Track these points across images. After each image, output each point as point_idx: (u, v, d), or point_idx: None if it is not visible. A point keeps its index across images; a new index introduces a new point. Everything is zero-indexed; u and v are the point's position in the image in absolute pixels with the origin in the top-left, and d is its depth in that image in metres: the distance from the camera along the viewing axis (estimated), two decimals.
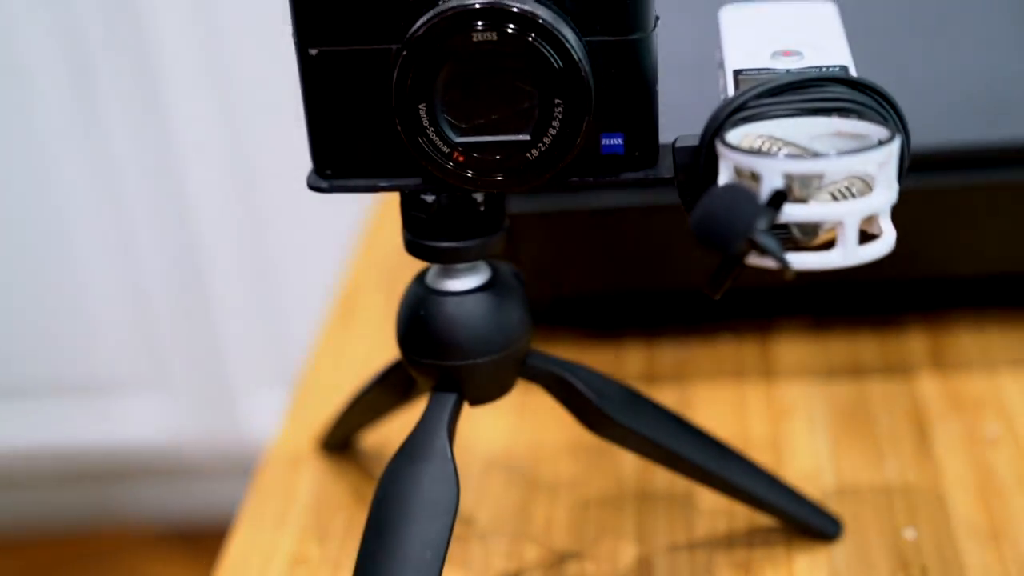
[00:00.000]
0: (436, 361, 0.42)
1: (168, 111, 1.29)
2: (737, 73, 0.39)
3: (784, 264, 0.33)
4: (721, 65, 0.41)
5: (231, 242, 1.35)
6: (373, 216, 0.72)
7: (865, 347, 0.57)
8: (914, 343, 0.57)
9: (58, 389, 1.44)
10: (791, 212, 0.34)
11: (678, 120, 0.41)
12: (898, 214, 0.35)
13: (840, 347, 0.57)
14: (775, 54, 0.40)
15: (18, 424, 1.46)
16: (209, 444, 1.45)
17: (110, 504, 1.53)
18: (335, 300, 0.65)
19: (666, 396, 0.55)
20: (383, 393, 0.48)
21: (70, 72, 1.28)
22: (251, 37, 1.25)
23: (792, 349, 0.57)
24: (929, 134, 0.49)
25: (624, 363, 0.57)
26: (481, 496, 0.51)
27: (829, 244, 0.35)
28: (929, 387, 0.54)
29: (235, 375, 1.43)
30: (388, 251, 0.68)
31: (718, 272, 0.35)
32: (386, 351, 0.60)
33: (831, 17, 0.43)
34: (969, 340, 0.56)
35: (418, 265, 0.43)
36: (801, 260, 0.34)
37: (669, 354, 0.58)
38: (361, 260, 0.68)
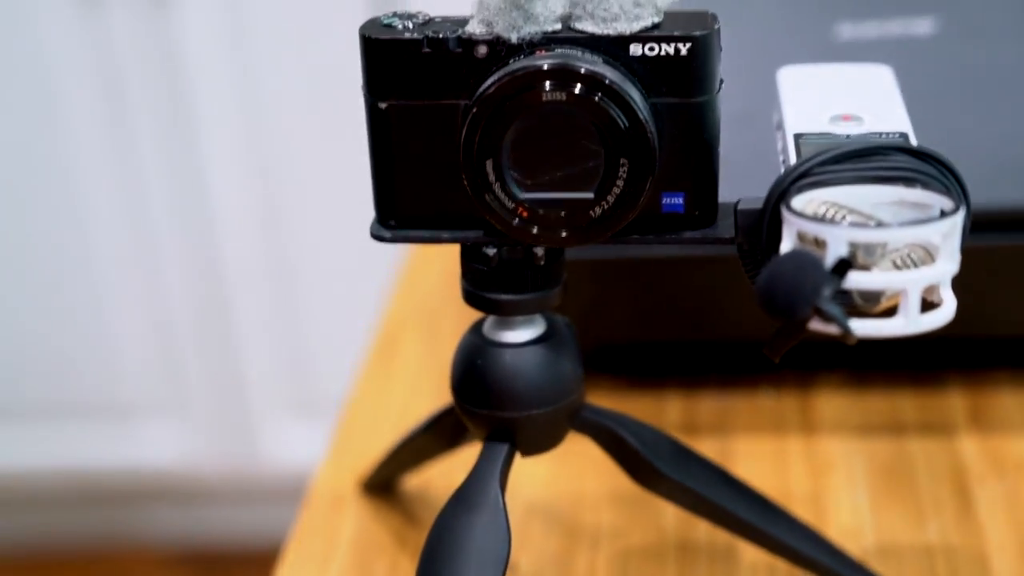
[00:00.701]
0: (491, 412, 0.42)
1: (198, 139, 1.30)
2: (798, 137, 0.39)
3: (848, 331, 0.34)
4: (780, 127, 0.42)
5: (255, 270, 1.36)
6: (412, 257, 0.72)
7: (905, 404, 0.57)
8: (954, 401, 0.57)
9: (79, 411, 1.45)
10: (856, 280, 0.34)
11: (734, 179, 0.42)
12: None
13: (879, 403, 0.57)
14: (834, 118, 0.40)
15: (37, 445, 1.47)
16: (226, 470, 1.46)
17: (127, 527, 1.53)
18: (375, 340, 0.66)
19: (706, 447, 0.55)
20: (431, 438, 0.49)
21: (104, 100, 1.29)
22: (287, 77, 1.26)
23: (832, 403, 0.58)
24: (976, 193, 0.49)
25: (664, 412, 0.58)
26: (522, 543, 0.51)
27: (889, 311, 0.35)
28: (969, 447, 0.54)
29: (254, 402, 1.43)
30: (428, 292, 0.69)
31: (780, 336, 0.36)
32: (426, 392, 0.60)
33: (888, 81, 0.44)
34: (1009, 401, 0.56)
35: (457, 307, 0.43)
36: (863, 327, 0.35)
37: (709, 405, 0.58)
38: (401, 301, 0.69)
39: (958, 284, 0.36)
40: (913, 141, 0.39)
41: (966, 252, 0.36)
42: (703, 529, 0.50)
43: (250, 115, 1.29)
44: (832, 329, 0.34)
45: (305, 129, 1.27)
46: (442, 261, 0.70)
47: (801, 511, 0.50)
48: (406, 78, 0.38)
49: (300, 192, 1.31)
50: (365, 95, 0.39)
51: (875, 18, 0.57)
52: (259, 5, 1.25)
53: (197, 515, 1.52)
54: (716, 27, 0.38)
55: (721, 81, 0.39)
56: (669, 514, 0.52)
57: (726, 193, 0.40)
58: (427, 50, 0.38)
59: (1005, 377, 0.58)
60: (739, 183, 0.41)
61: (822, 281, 0.34)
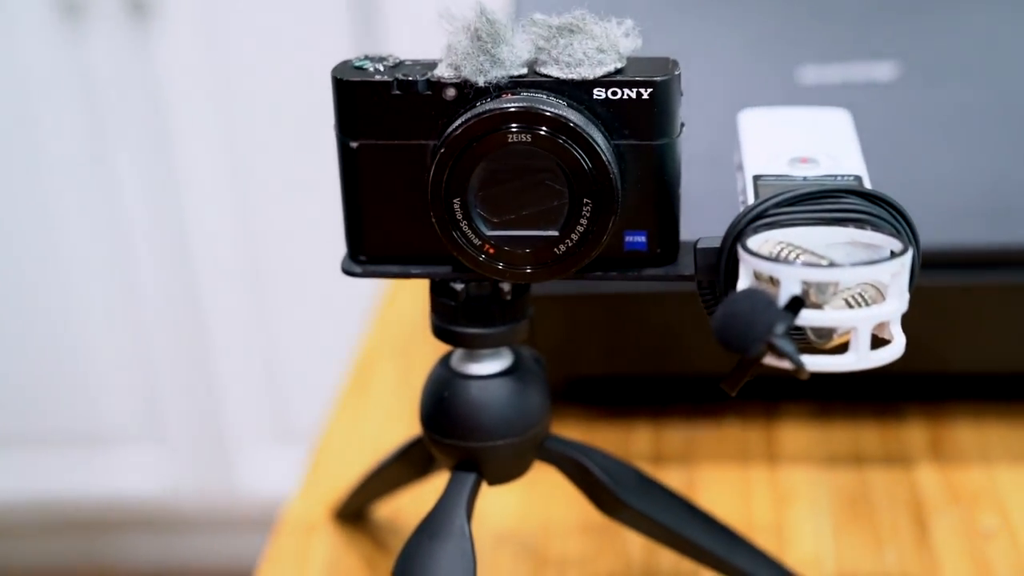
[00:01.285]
0: (458, 442, 0.43)
1: (177, 167, 1.31)
2: (756, 178, 0.41)
3: (799, 366, 0.35)
4: (740, 168, 0.43)
5: (233, 298, 1.37)
6: (389, 288, 0.74)
7: (866, 436, 0.58)
8: (914, 434, 0.58)
9: (55, 439, 1.45)
10: (808, 317, 0.35)
11: (695, 217, 0.43)
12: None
13: (842, 435, 0.59)
14: (792, 160, 0.42)
15: (14, 473, 1.47)
16: (204, 497, 1.46)
17: (103, 554, 1.53)
18: (350, 371, 0.67)
19: (672, 477, 0.56)
20: (402, 468, 0.50)
21: (82, 114, 1.30)
22: (265, 93, 1.27)
23: (795, 435, 0.59)
24: (934, 234, 0.51)
25: (632, 443, 0.59)
26: (491, 571, 0.52)
27: (842, 347, 0.37)
28: (928, 478, 0.55)
29: (232, 429, 1.43)
30: (402, 324, 0.70)
31: (736, 371, 0.37)
32: (400, 421, 0.61)
33: (846, 124, 0.45)
34: (968, 433, 0.58)
35: (431, 339, 0.44)
36: (816, 363, 0.36)
37: (676, 435, 0.59)
38: (376, 332, 0.70)
39: (915, 321, 0.37)
40: (867, 183, 0.40)
41: (924, 291, 0.38)
42: (667, 558, 0.51)
43: (228, 133, 1.30)
44: (785, 364, 0.35)
45: (282, 147, 1.28)
46: (416, 293, 0.71)
47: (764, 540, 0.51)
48: (376, 119, 0.40)
49: (278, 219, 1.32)
50: (337, 134, 0.40)
51: (837, 62, 0.59)
52: (237, 21, 1.26)
53: (174, 543, 1.52)
54: (677, 73, 0.39)
55: (682, 124, 0.40)
56: (635, 543, 0.53)
57: (689, 231, 0.41)
58: (397, 92, 0.39)
59: (963, 410, 0.59)
60: (701, 222, 0.42)
61: (775, 318, 0.35)
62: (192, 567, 1.51)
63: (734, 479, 0.56)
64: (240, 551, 1.48)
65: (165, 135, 1.30)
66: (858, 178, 0.41)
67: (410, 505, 0.54)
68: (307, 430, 1.37)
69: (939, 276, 0.53)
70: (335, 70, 0.40)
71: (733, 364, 0.37)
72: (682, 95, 0.40)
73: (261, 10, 1.25)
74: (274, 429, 1.43)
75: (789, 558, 0.51)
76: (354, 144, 0.40)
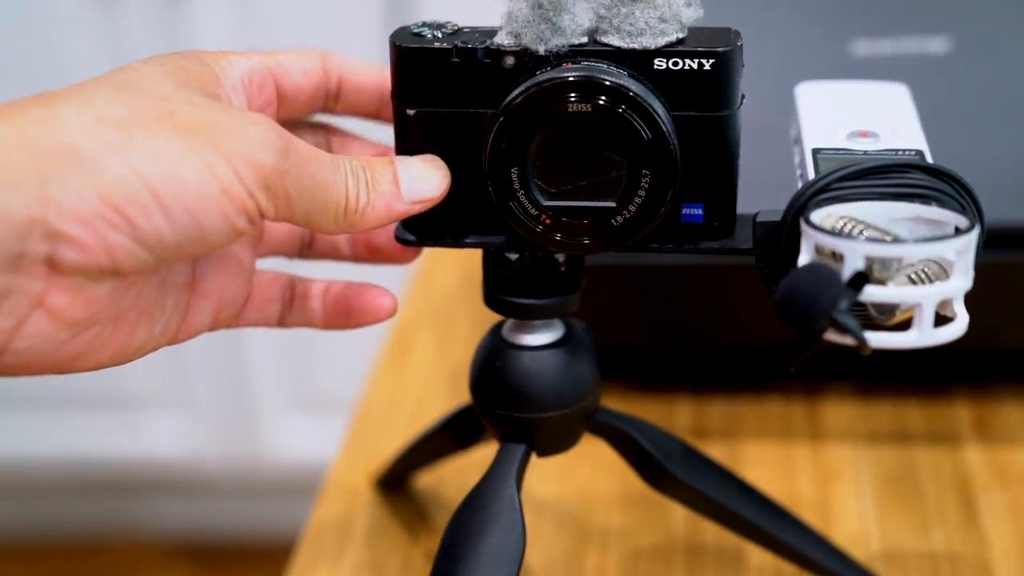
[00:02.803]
0: (509, 412, 0.43)
1: None
2: (816, 152, 0.40)
3: (863, 343, 0.35)
4: (798, 141, 0.43)
5: (262, 264, 1.37)
6: (426, 257, 0.73)
7: (911, 413, 0.58)
8: (960, 412, 0.58)
9: (84, 402, 1.46)
10: (872, 293, 0.35)
11: (750, 190, 0.43)
12: None
13: (886, 412, 0.58)
14: (851, 134, 0.41)
15: (43, 435, 1.48)
16: (229, 463, 1.47)
17: (128, 517, 1.54)
18: (389, 339, 0.66)
19: (715, 451, 0.56)
20: (447, 438, 0.50)
21: None
22: None
23: (839, 411, 0.59)
24: (989, 211, 0.50)
25: (674, 416, 0.59)
26: (533, 542, 0.52)
27: (903, 324, 0.36)
28: (974, 457, 0.55)
29: (259, 397, 1.44)
30: (440, 292, 0.70)
31: (796, 346, 0.36)
32: (439, 391, 0.61)
33: (904, 99, 0.45)
34: (1014, 412, 0.57)
35: (470, 308, 0.44)
36: (878, 339, 0.35)
37: (718, 410, 0.59)
38: (414, 301, 0.69)
39: (969, 297, 0.37)
40: (928, 158, 0.40)
41: (979, 267, 0.37)
42: (711, 531, 0.51)
43: None
44: (847, 341, 0.35)
45: None
46: (455, 263, 0.71)
47: (808, 516, 0.51)
48: (434, 86, 0.39)
49: None
50: (394, 101, 0.40)
51: (890, 35, 0.58)
52: (271, 3, 1.25)
53: (200, 507, 1.53)
54: (739, 43, 0.39)
55: (743, 96, 0.40)
56: (678, 516, 0.52)
57: (743, 204, 0.41)
58: (456, 59, 0.39)
59: (1010, 390, 0.59)
60: (756, 195, 0.42)
61: (839, 294, 0.34)
62: (217, 531, 1.52)
63: (777, 455, 0.56)
64: (265, 516, 1.49)
65: None
66: (920, 152, 0.40)
67: (452, 475, 0.54)
68: (333, 396, 1.37)
69: (994, 253, 0.52)
70: (393, 36, 0.40)
71: (782, 338, 0.37)
72: (743, 67, 0.39)
73: None
74: (300, 396, 1.43)
75: (834, 535, 0.51)
76: (411, 111, 0.40)
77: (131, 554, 1.52)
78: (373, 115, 0.43)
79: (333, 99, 0.43)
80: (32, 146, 0.32)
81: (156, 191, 0.33)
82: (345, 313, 0.44)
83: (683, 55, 0.38)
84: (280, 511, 1.47)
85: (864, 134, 0.41)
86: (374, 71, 0.43)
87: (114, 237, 0.33)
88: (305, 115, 0.44)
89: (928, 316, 0.36)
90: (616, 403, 0.47)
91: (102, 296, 0.34)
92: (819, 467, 0.55)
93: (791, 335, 0.36)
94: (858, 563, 0.48)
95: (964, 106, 0.56)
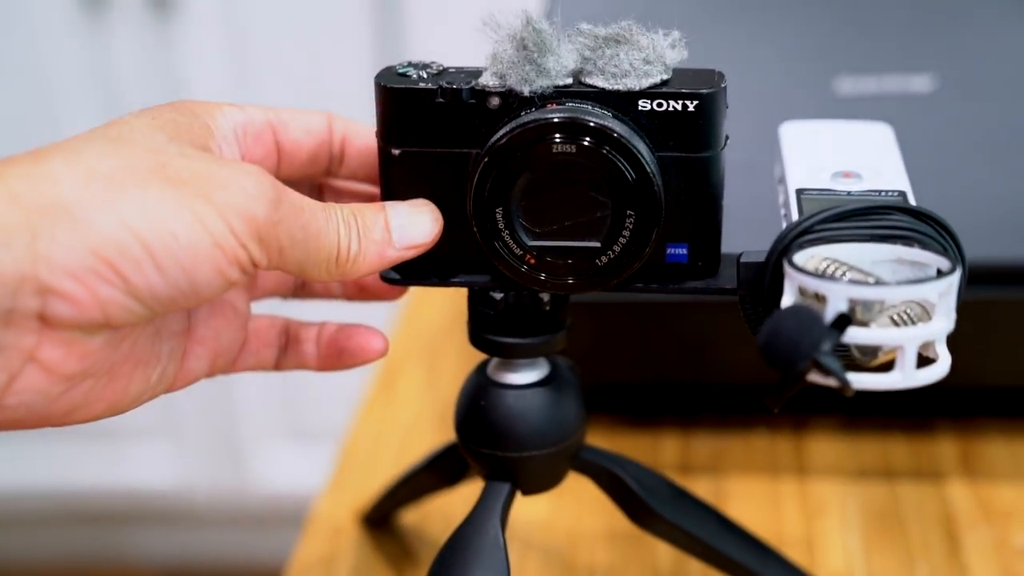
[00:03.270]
0: (493, 451, 0.43)
1: None
2: (800, 192, 0.40)
3: (846, 384, 0.35)
4: (782, 180, 0.43)
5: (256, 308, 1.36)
6: (413, 293, 0.73)
7: (896, 450, 0.58)
8: (945, 449, 0.58)
9: (71, 432, 1.45)
10: (854, 335, 0.35)
11: (734, 228, 0.43)
12: None
13: (872, 448, 0.58)
14: (835, 175, 0.42)
15: (30, 465, 1.47)
16: (217, 494, 1.46)
17: (115, 547, 1.53)
18: (376, 374, 0.66)
19: (701, 487, 0.56)
20: (433, 475, 0.50)
21: (104, 111, 1.30)
22: (286, 89, 1.27)
23: (825, 447, 0.59)
24: (971, 248, 0.51)
25: (660, 452, 0.59)
26: None
27: (886, 365, 0.36)
28: (959, 494, 0.55)
29: (245, 427, 1.44)
30: (428, 327, 0.70)
31: (780, 387, 0.36)
32: (426, 427, 0.61)
33: (888, 139, 0.45)
34: (999, 450, 0.58)
35: (458, 344, 0.44)
36: (861, 380, 0.36)
37: (704, 446, 0.59)
38: (402, 336, 0.69)
39: (952, 334, 0.37)
40: (911, 199, 0.40)
41: (963, 304, 0.37)
42: (696, 569, 0.51)
43: None
44: (831, 382, 0.35)
45: None
46: (443, 297, 0.71)
47: (793, 553, 0.51)
48: (419, 126, 0.39)
49: None
50: (379, 141, 0.40)
51: (874, 74, 0.58)
52: (258, 15, 1.26)
53: (186, 538, 1.52)
54: (723, 85, 0.39)
55: (727, 137, 0.40)
56: (663, 554, 0.52)
57: (728, 243, 0.41)
58: (441, 100, 0.39)
59: (995, 426, 0.59)
60: (740, 234, 0.42)
61: (821, 335, 0.35)
62: (204, 562, 1.51)
63: (763, 491, 0.56)
64: (251, 547, 1.48)
65: None
66: (903, 193, 0.40)
67: (437, 512, 0.54)
68: (319, 428, 1.37)
69: (975, 290, 0.53)
70: (379, 76, 0.40)
71: (767, 375, 0.37)
72: (727, 108, 0.40)
73: (282, 4, 1.25)
74: (287, 427, 1.43)
75: (820, 572, 0.51)
76: (396, 151, 0.40)
77: None
78: (375, 182, 0.43)
79: (337, 161, 0.43)
80: (22, 202, 0.32)
81: (148, 245, 0.33)
82: (337, 355, 0.44)
83: (667, 96, 0.39)
84: (267, 541, 1.46)
85: (848, 174, 0.42)
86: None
87: (106, 291, 0.33)
88: (307, 176, 0.43)
89: (910, 358, 0.36)
90: (603, 438, 0.47)
91: (95, 349, 0.34)
92: (805, 503, 0.55)
93: (775, 373, 0.36)
94: None
95: (948, 145, 0.56)
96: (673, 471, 0.57)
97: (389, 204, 0.39)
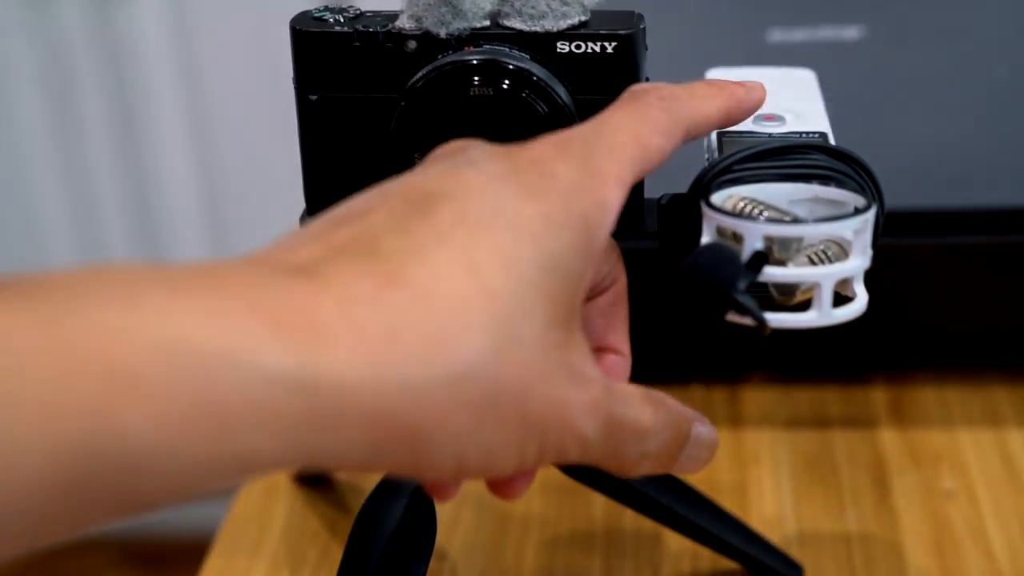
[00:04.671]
0: None
1: (144, 140, 1.30)
2: (721, 135, 0.40)
3: (762, 322, 0.35)
4: None
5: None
6: None
7: (830, 399, 0.59)
8: (876, 397, 0.58)
9: None
10: (770, 273, 0.35)
11: (661, 176, 0.43)
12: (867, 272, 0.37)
13: (805, 398, 0.59)
14: (757, 118, 0.42)
15: None
16: None
17: None
18: None
19: None
20: None
21: (50, 95, 1.28)
22: (233, 70, 1.26)
23: (760, 398, 0.59)
24: (897, 196, 0.51)
25: None
26: (452, 531, 0.52)
27: (804, 304, 0.37)
28: (890, 440, 0.56)
29: None
30: None
31: (697, 328, 0.37)
32: None
33: (811, 83, 0.45)
34: (929, 396, 0.58)
35: None
36: (778, 319, 0.36)
37: None
38: None
39: (879, 283, 0.37)
40: (832, 141, 0.40)
41: (887, 251, 0.38)
42: (630, 518, 0.51)
43: (195, 104, 1.28)
44: (747, 321, 0.35)
45: (249, 114, 1.27)
46: None
47: (727, 501, 0.51)
48: (336, 71, 0.39)
49: (245, 189, 1.31)
50: (296, 87, 0.40)
51: (806, 25, 0.58)
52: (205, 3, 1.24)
53: None
54: (642, 26, 0.39)
55: (647, 79, 0.40)
56: (598, 504, 0.53)
57: (655, 190, 0.41)
58: (357, 44, 0.39)
59: (925, 374, 0.59)
60: (667, 181, 0.42)
61: (737, 274, 0.35)
62: (163, 535, 1.50)
63: None
64: (200, 515, 1.48)
65: (134, 103, 1.28)
66: (823, 135, 0.40)
67: None
68: None
69: (902, 238, 0.53)
70: (294, 20, 0.39)
71: (696, 321, 0.37)
72: (647, 49, 0.39)
73: None
74: None
75: (751, 518, 0.51)
76: (313, 97, 0.39)
77: (80, 560, 1.50)
78: None
79: None
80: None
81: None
82: None
83: (585, 38, 0.38)
84: (217, 509, 1.46)
85: (770, 117, 0.42)
86: None
87: None
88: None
89: (827, 295, 0.36)
90: None
91: None
92: (739, 452, 0.56)
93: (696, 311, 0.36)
94: (773, 546, 0.48)
95: (874, 94, 0.56)
96: None
97: (696, 426, 0.36)
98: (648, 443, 0.33)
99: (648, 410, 0.33)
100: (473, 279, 0.28)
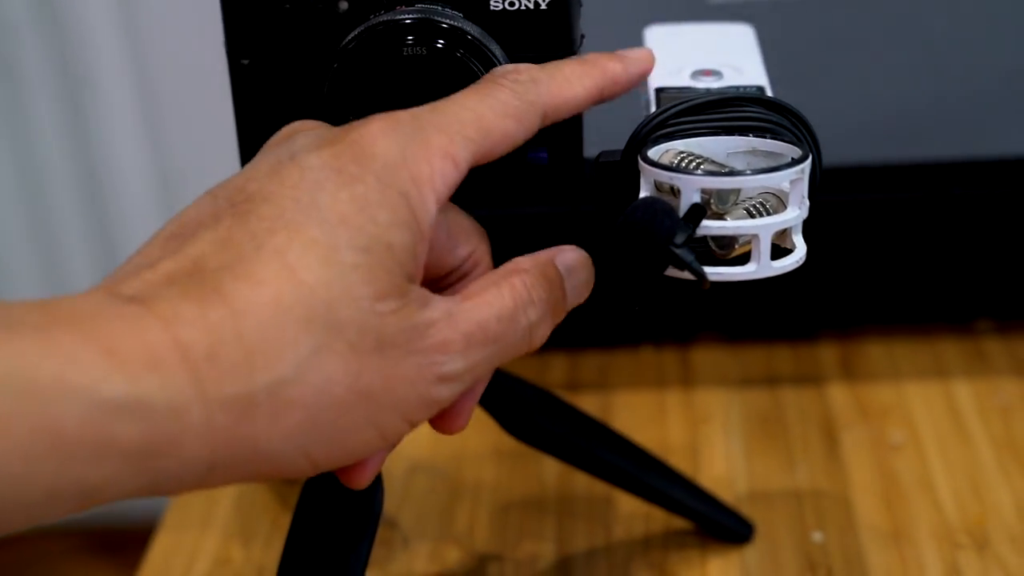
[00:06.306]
0: None
1: (92, 115, 1.28)
2: (659, 91, 0.40)
3: (701, 276, 0.35)
4: (644, 83, 0.43)
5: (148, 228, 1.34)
6: None
7: (779, 357, 0.59)
8: (825, 354, 0.59)
9: None
10: (708, 226, 0.35)
11: (599, 134, 0.42)
12: (808, 230, 0.37)
13: (756, 357, 0.59)
14: (695, 73, 0.41)
15: None
16: None
17: None
18: None
19: (588, 403, 0.56)
20: None
21: None
22: (181, 43, 1.25)
23: (710, 359, 0.59)
24: (840, 152, 0.51)
25: (547, 372, 0.59)
26: (404, 499, 0.52)
27: (744, 257, 0.36)
28: (839, 396, 0.56)
29: None
30: None
31: (637, 285, 0.36)
32: None
33: (749, 39, 0.45)
34: (878, 352, 0.58)
35: None
36: (717, 272, 0.36)
37: (592, 363, 0.59)
38: None
39: (824, 241, 0.37)
40: (770, 94, 0.40)
41: (833, 208, 0.38)
42: (581, 482, 0.51)
43: (143, 83, 1.27)
44: (686, 275, 0.35)
45: (199, 85, 1.25)
46: None
47: (678, 461, 0.51)
48: (267, 34, 0.38)
49: (195, 153, 1.29)
50: (227, 52, 0.39)
51: None
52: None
53: None
54: None
55: (583, 36, 0.39)
56: (549, 469, 0.52)
57: (595, 149, 0.41)
58: (287, 6, 0.38)
59: (873, 330, 0.60)
60: (607, 140, 0.41)
61: (675, 228, 0.34)
62: (121, 520, 1.49)
63: (649, 403, 0.56)
64: (162, 501, 1.47)
65: (76, 77, 1.27)
66: (760, 88, 0.40)
67: None
68: None
69: (846, 195, 0.53)
70: None
71: (636, 277, 0.37)
72: (581, 6, 0.39)
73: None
74: None
75: (703, 478, 0.51)
76: (245, 61, 0.39)
77: (37, 548, 1.48)
78: None
79: None
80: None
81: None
82: None
83: None
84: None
85: (708, 73, 0.42)
86: None
87: None
88: None
89: (765, 247, 0.36)
90: None
91: None
92: (690, 412, 0.56)
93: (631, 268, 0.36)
94: (724, 504, 0.48)
95: (814, 51, 0.56)
96: (561, 389, 0.57)
97: (560, 260, 0.36)
98: (527, 315, 0.34)
99: (505, 292, 0.33)
100: (288, 280, 0.29)
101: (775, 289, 0.37)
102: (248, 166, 0.33)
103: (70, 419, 0.26)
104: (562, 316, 0.36)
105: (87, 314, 0.27)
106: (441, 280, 0.36)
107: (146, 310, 0.28)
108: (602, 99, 0.37)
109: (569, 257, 0.36)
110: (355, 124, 0.32)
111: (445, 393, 0.32)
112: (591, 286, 0.37)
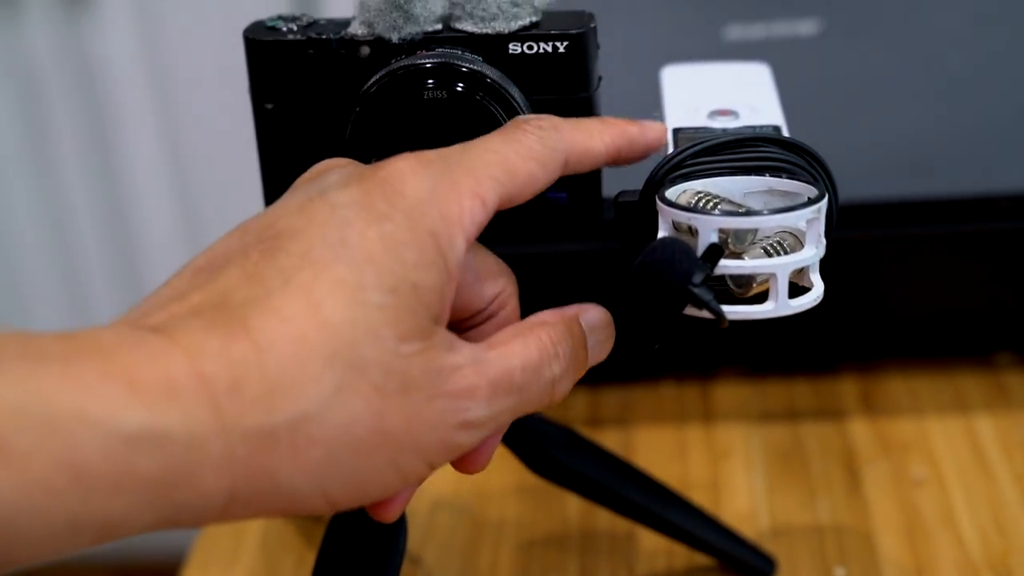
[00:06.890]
0: None
1: (117, 153, 1.30)
2: (677, 131, 0.41)
3: (719, 315, 0.35)
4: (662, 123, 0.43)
5: (172, 265, 1.35)
6: None
7: (800, 392, 0.59)
8: (846, 388, 0.59)
9: None
10: (726, 265, 0.36)
11: (617, 173, 0.43)
12: (827, 266, 0.37)
13: (776, 392, 0.59)
14: (712, 113, 0.42)
15: None
16: None
17: None
18: None
19: (609, 439, 0.56)
20: None
21: (19, 105, 1.28)
22: (202, 76, 1.26)
23: (731, 394, 0.59)
24: (858, 189, 0.51)
25: (569, 408, 0.59)
26: (428, 536, 0.52)
27: (762, 296, 0.37)
28: (860, 431, 0.56)
29: None
30: None
31: (656, 324, 0.37)
32: None
33: (765, 78, 0.45)
34: (898, 386, 0.58)
35: None
36: (735, 311, 0.36)
37: (613, 399, 0.59)
38: None
39: (844, 276, 0.37)
40: (786, 134, 0.40)
41: (853, 244, 0.38)
42: (604, 518, 0.51)
43: (166, 117, 1.28)
44: (705, 314, 0.35)
45: (221, 127, 1.27)
46: None
47: (700, 497, 0.51)
48: (291, 79, 0.39)
49: (220, 196, 1.30)
50: (252, 97, 0.40)
51: (762, 20, 0.59)
52: (174, 5, 1.24)
53: None
54: (592, 25, 0.39)
55: (600, 78, 0.40)
56: (572, 505, 0.53)
57: (613, 188, 0.41)
58: (310, 52, 0.39)
59: (894, 364, 0.60)
60: (625, 179, 0.42)
61: (693, 267, 0.35)
62: (145, 552, 1.50)
63: (670, 439, 0.57)
64: (188, 534, 1.47)
65: (104, 112, 1.28)
66: (777, 128, 0.41)
67: None
68: None
69: (865, 230, 0.53)
70: (247, 31, 0.40)
71: (655, 317, 0.37)
72: (599, 48, 0.40)
73: None
74: None
75: (724, 513, 0.51)
76: (269, 106, 0.40)
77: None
78: None
79: None
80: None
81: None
82: None
83: (537, 38, 0.39)
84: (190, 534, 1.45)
85: (724, 112, 0.42)
86: None
87: None
88: None
89: (783, 286, 0.36)
90: None
91: None
92: (711, 448, 0.56)
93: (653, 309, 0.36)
94: (746, 540, 0.49)
95: (830, 88, 0.57)
96: (582, 426, 0.57)
97: (584, 318, 0.36)
98: (551, 369, 0.34)
99: (531, 344, 0.34)
100: (313, 317, 0.29)
101: (794, 324, 0.38)
102: (278, 202, 0.33)
103: (91, 451, 0.26)
104: (583, 372, 0.36)
105: (109, 345, 0.27)
106: (467, 320, 0.36)
107: (170, 341, 0.28)
108: (619, 159, 0.37)
109: (592, 316, 0.37)
110: (384, 162, 0.33)
111: (467, 439, 0.32)
112: (611, 345, 0.37)
